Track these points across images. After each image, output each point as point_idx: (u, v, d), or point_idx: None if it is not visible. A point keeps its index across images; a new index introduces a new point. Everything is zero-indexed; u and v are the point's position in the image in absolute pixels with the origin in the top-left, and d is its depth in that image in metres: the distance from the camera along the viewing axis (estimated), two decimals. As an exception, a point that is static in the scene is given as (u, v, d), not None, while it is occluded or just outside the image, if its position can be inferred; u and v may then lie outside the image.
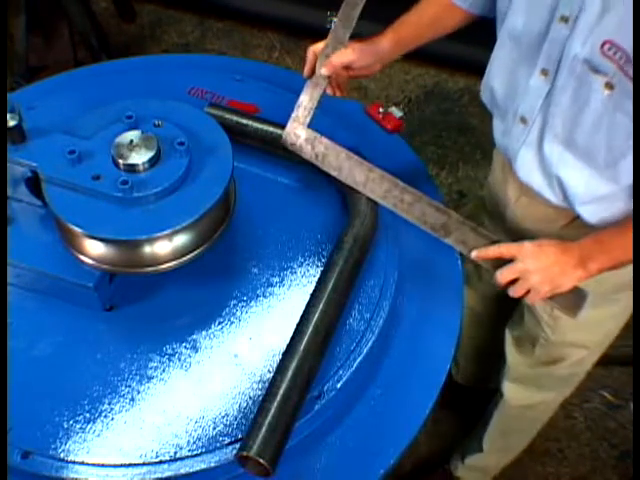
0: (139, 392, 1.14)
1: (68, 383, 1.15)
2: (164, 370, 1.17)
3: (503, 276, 1.15)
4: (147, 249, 1.15)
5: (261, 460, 1.01)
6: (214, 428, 1.11)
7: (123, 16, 3.19)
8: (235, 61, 1.99)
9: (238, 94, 1.57)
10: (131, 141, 1.15)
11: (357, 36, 1.33)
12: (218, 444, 1.09)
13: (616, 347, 1.59)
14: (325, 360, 1.16)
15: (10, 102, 1.15)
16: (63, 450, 1.08)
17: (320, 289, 1.21)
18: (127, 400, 1.13)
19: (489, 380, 1.85)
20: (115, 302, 1.23)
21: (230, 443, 1.09)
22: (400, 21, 1.36)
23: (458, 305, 1.34)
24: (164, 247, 1.15)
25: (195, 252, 1.19)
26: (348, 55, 1.29)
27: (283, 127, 1.38)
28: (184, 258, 1.18)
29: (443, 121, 2.79)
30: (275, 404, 1.06)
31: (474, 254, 1.18)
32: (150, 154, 1.14)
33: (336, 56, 1.29)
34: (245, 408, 1.13)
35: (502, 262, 1.16)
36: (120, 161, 1.14)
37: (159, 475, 1.07)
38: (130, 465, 1.07)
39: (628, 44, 1.00)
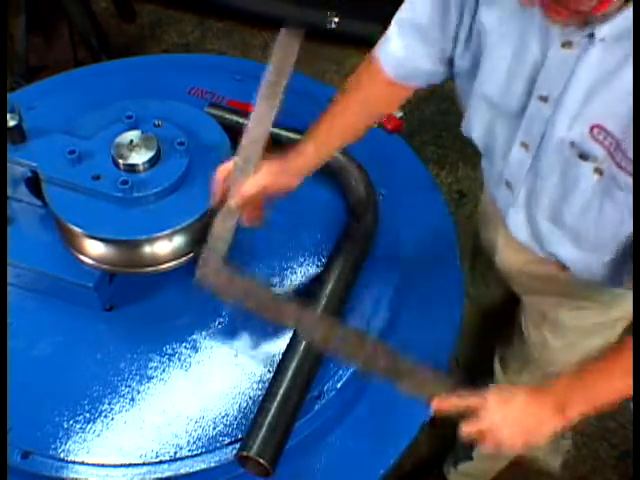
0: (139, 392, 1.14)
1: (68, 383, 1.15)
2: (164, 370, 1.17)
3: (466, 431, 0.99)
4: (147, 249, 1.15)
5: (261, 460, 1.01)
6: (214, 428, 1.11)
7: (123, 16, 3.19)
8: (235, 61, 2.00)
9: (238, 94, 1.56)
10: (131, 141, 1.15)
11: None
12: (218, 444, 1.09)
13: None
14: (325, 360, 1.16)
15: (10, 102, 1.15)
16: (63, 450, 1.08)
17: (320, 289, 1.21)
18: (127, 400, 1.13)
19: (488, 380, 1.85)
20: (115, 302, 1.23)
21: (230, 443, 1.09)
22: (323, 121, 1.19)
23: (458, 305, 1.34)
24: (164, 247, 1.15)
25: (195, 252, 1.19)
26: (261, 182, 1.11)
27: (283, 127, 1.37)
28: (184, 258, 1.18)
29: (443, 121, 2.79)
30: (275, 404, 1.06)
31: (432, 405, 1.00)
32: (150, 154, 1.14)
33: (249, 184, 1.11)
34: (245, 408, 1.13)
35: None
36: (120, 161, 1.14)
37: (159, 475, 1.07)
38: (130, 465, 1.07)
39: (618, 130, 0.92)
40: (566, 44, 0.93)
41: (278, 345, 1.18)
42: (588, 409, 0.98)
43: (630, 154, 0.91)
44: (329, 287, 1.20)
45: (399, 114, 1.62)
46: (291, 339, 1.15)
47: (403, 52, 1.16)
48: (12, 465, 1.06)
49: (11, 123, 1.15)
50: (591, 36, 0.89)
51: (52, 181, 1.14)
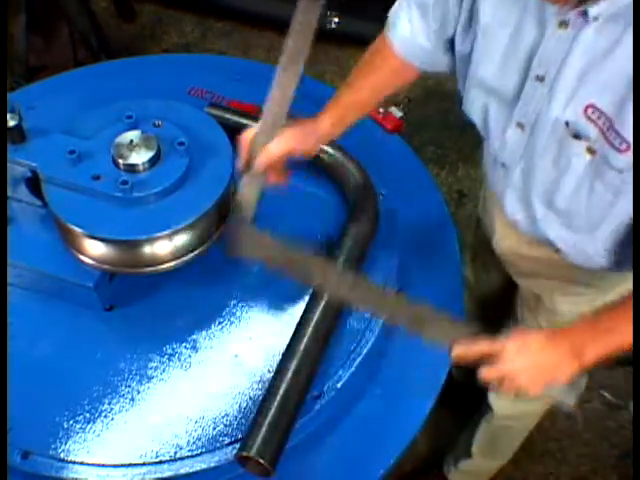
0: (139, 392, 1.14)
1: (68, 383, 1.15)
2: (164, 370, 1.17)
3: (486, 377, 1.03)
4: (147, 249, 1.15)
5: (261, 460, 1.01)
6: (214, 428, 1.11)
7: (123, 16, 3.19)
8: (235, 61, 2.00)
9: (238, 94, 1.57)
10: (131, 141, 1.15)
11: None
12: (218, 444, 1.09)
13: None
14: (325, 360, 1.16)
15: (10, 102, 1.15)
16: (63, 450, 1.08)
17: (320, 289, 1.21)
18: (127, 400, 1.13)
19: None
20: (115, 302, 1.23)
21: (230, 443, 1.09)
22: (340, 96, 1.24)
23: (458, 305, 1.34)
24: (164, 247, 1.15)
25: (195, 252, 1.19)
26: (286, 144, 1.15)
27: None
28: (184, 258, 1.18)
29: (443, 121, 2.79)
30: (275, 404, 1.06)
31: (454, 352, 1.05)
32: (150, 154, 1.14)
33: (273, 147, 1.14)
34: (245, 408, 1.13)
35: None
36: (120, 161, 1.14)
37: (159, 475, 1.07)
38: (130, 465, 1.07)
39: (612, 109, 0.93)
40: (562, 24, 0.95)
41: (278, 345, 1.18)
42: (603, 353, 1.01)
43: (623, 132, 0.93)
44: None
45: (399, 114, 1.62)
46: (291, 339, 1.16)
47: (408, 29, 1.21)
48: (12, 465, 1.06)
49: (11, 123, 1.14)
50: (585, 14, 0.90)
51: (52, 181, 1.14)
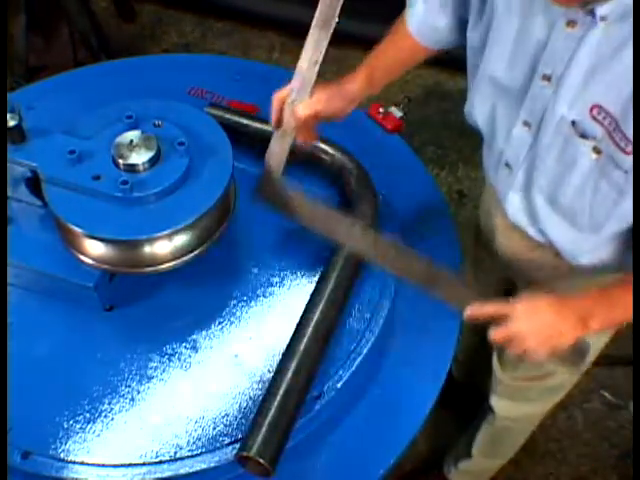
0: (139, 392, 1.14)
1: (68, 383, 1.15)
2: (164, 370, 1.17)
3: (496, 337, 1.07)
4: (147, 249, 1.15)
5: (261, 460, 1.01)
6: (214, 428, 1.11)
7: (123, 16, 3.18)
8: (235, 61, 2.00)
9: (238, 94, 1.57)
10: (131, 141, 1.15)
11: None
12: (218, 444, 1.09)
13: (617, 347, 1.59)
14: (325, 360, 1.16)
15: (10, 102, 1.15)
16: (63, 450, 1.08)
17: (320, 289, 1.21)
18: (127, 400, 1.13)
19: (488, 377, 1.85)
20: (115, 302, 1.23)
21: (230, 443, 1.09)
22: (369, 61, 1.28)
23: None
24: (164, 247, 1.15)
25: (195, 252, 1.19)
26: (316, 104, 1.18)
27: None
28: (184, 258, 1.18)
29: (443, 121, 2.79)
30: (275, 404, 1.06)
31: (466, 311, 1.09)
32: (150, 154, 1.14)
33: (303, 106, 1.17)
34: (245, 408, 1.13)
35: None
36: (120, 161, 1.14)
37: (159, 475, 1.07)
38: (130, 465, 1.07)
39: (618, 110, 0.94)
40: (571, 23, 0.95)
41: (278, 345, 1.18)
42: (607, 324, 1.09)
43: (629, 134, 0.94)
44: (329, 287, 1.20)
45: (399, 114, 1.62)
46: (291, 339, 1.16)
47: (422, 8, 1.25)
48: (12, 465, 1.06)
49: (11, 123, 1.14)
50: (592, 14, 0.90)
51: (52, 181, 1.14)
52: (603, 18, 0.90)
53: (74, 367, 1.17)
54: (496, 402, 1.64)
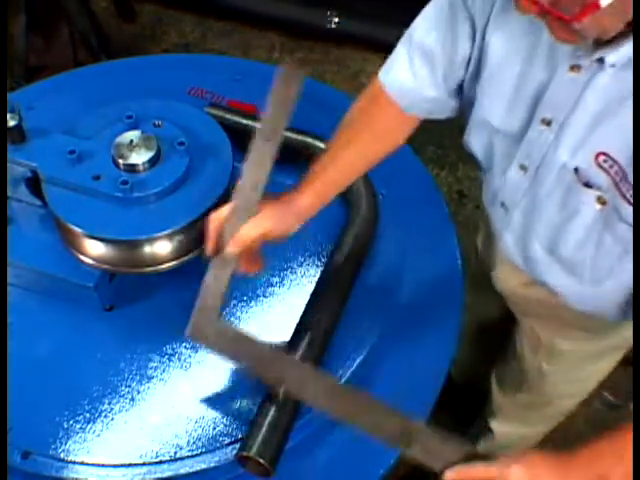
0: (139, 392, 1.14)
1: (68, 383, 1.15)
2: (164, 370, 1.17)
3: None
4: (147, 249, 1.15)
5: (261, 460, 1.01)
6: (214, 428, 1.11)
7: (123, 16, 3.18)
8: (235, 61, 2.00)
9: (238, 94, 1.56)
10: (131, 141, 1.15)
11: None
12: (218, 444, 1.09)
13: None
14: (325, 360, 1.16)
15: (10, 102, 1.15)
16: (63, 450, 1.08)
17: (320, 289, 1.21)
18: (127, 400, 1.13)
19: (487, 377, 1.84)
20: (115, 302, 1.23)
21: (230, 443, 1.09)
22: (322, 168, 1.10)
23: (458, 305, 1.34)
24: (164, 247, 1.15)
25: (195, 252, 1.19)
26: (262, 225, 1.01)
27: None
28: (184, 258, 1.18)
29: (443, 121, 2.79)
30: (275, 404, 1.06)
31: (449, 476, 0.91)
32: (150, 154, 1.14)
33: (247, 228, 1.00)
34: (245, 408, 1.13)
35: None
36: (120, 161, 1.14)
37: (159, 475, 1.07)
38: (130, 465, 1.07)
39: (626, 159, 0.88)
40: (575, 67, 0.90)
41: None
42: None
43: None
44: (329, 287, 1.20)
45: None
46: (291, 339, 1.15)
47: (410, 80, 1.11)
48: (12, 465, 1.06)
49: (11, 123, 1.14)
50: (601, 61, 0.86)
51: (52, 181, 1.14)
52: (612, 65, 0.86)
53: (74, 367, 1.17)
54: (496, 426, 1.63)
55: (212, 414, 1.12)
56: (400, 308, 1.29)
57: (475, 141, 1.14)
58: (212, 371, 1.17)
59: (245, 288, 1.26)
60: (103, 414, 1.12)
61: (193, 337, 1.06)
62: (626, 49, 0.83)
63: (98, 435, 1.10)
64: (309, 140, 1.40)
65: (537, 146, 1.00)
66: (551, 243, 1.06)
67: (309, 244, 1.33)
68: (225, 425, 1.11)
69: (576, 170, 0.94)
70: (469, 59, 1.06)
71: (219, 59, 2.21)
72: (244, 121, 1.44)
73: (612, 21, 0.80)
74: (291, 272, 1.29)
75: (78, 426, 1.10)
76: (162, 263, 1.17)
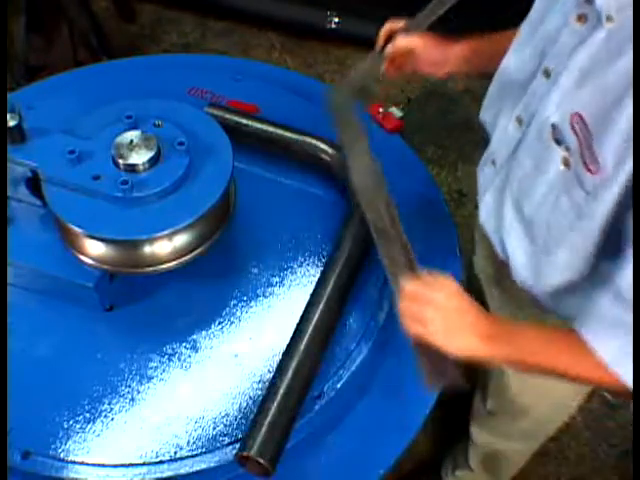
0: (139, 392, 1.14)
1: (68, 383, 1.15)
2: (164, 370, 1.17)
3: (405, 291, 1.02)
4: (147, 249, 1.15)
5: (261, 460, 1.01)
6: (214, 428, 1.11)
7: (123, 16, 3.18)
8: (235, 61, 1.99)
9: (238, 94, 1.57)
10: (131, 141, 1.15)
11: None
12: (218, 444, 1.09)
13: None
14: (325, 360, 1.16)
15: (10, 102, 1.15)
16: (63, 450, 1.08)
17: (320, 289, 1.21)
18: (127, 400, 1.13)
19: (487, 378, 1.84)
20: (115, 302, 1.23)
21: (230, 443, 1.09)
22: (478, 38, 1.28)
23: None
24: (164, 247, 1.15)
25: (195, 252, 1.19)
26: (413, 41, 1.27)
27: (283, 127, 1.38)
28: (184, 258, 1.18)
29: (443, 121, 2.79)
30: (275, 404, 1.06)
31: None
32: (150, 154, 1.14)
33: (402, 38, 1.27)
34: (245, 408, 1.13)
35: None
36: (120, 161, 1.14)
37: (159, 475, 1.07)
38: (130, 465, 1.07)
39: (594, 124, 0.89)
40: (581, 17, 0.92)
41: (278, 345, 1.18)
42: (512, 358, 0.99)
43: (597, 151, 0.89)
44: (329, 287, 1.20)
45: (399, 114, 1.62)
46: (291, 339, 1.16)
47: None
48: (12, 465, 1.06)
49: (11, 123, 1.14)
50: (599, 16, 0.87)
51: (52, 181, 1.14)
52: (609, 18, 0.86)
53: (74, 367, 1.17)
54: (473, 431, 1.63)
55: (212, 414, 1.12)
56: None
57: (489, 105, 1.21)
58: (212, 371, 1.17)
59: (245, 288, 1.27)
60: (103, 414, 1.12)
61: (327, 103, 1.26)
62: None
63: (98, 435, 1.10)
64: (310, 140, 1.40)
65: (535, 98, 1.03)
66: (520, 199, 1.07)
67: (309, 244, 1.33)
68: (225, 425, 1.11)
69: (553, 126, 0.97)
70: None
71: (219, 59, 2.21)
72: (244, 121, 1.44)
73: None
74: (291, 272, 1.29)
75: (78, 426, 1.10)
76: (162, 263, 1.17)
